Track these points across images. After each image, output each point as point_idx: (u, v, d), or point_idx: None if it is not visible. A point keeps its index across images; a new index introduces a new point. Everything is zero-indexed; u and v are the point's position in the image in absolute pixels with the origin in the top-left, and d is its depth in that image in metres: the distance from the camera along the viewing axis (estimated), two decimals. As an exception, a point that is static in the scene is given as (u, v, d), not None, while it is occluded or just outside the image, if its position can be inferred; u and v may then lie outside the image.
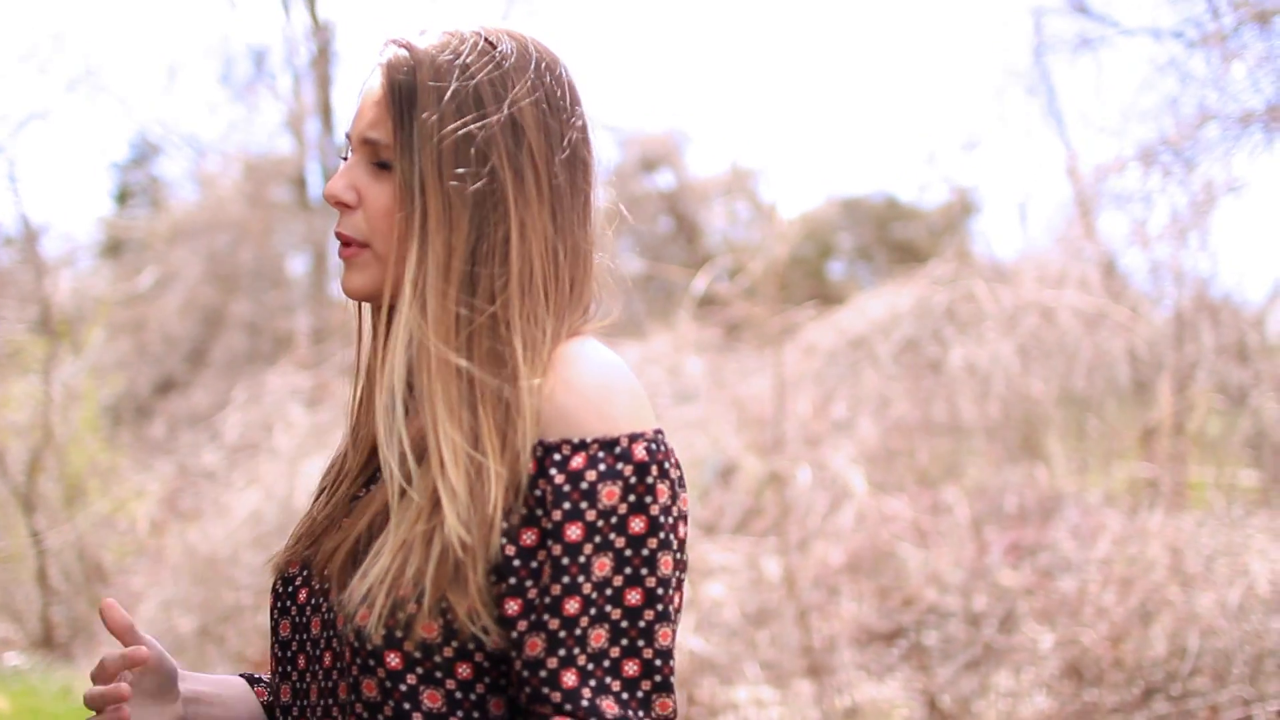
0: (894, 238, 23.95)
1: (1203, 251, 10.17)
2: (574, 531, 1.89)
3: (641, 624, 1.93)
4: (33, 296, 15.87)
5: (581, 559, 1.89)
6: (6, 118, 16.44)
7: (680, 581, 2.01)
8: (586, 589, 1.89)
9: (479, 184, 1.98)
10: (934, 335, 10.84)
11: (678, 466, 2.02)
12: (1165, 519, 8.83)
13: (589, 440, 1.93)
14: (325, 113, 22.22)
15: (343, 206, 2.07)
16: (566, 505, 1.90)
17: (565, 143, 2.06)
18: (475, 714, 1.95)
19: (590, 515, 1.90)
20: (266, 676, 2.36)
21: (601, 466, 1.92)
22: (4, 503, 14.13)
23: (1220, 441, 10.58)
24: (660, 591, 1.95)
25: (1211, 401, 10.01)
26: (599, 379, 1.97)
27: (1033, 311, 10.47)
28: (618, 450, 1.93)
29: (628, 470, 1.93)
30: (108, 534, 14.32)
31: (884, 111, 38.97)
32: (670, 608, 1.98)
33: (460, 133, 1.98)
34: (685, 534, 2.01)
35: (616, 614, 1.91)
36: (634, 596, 1.92)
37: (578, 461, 1.92)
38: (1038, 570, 9.03)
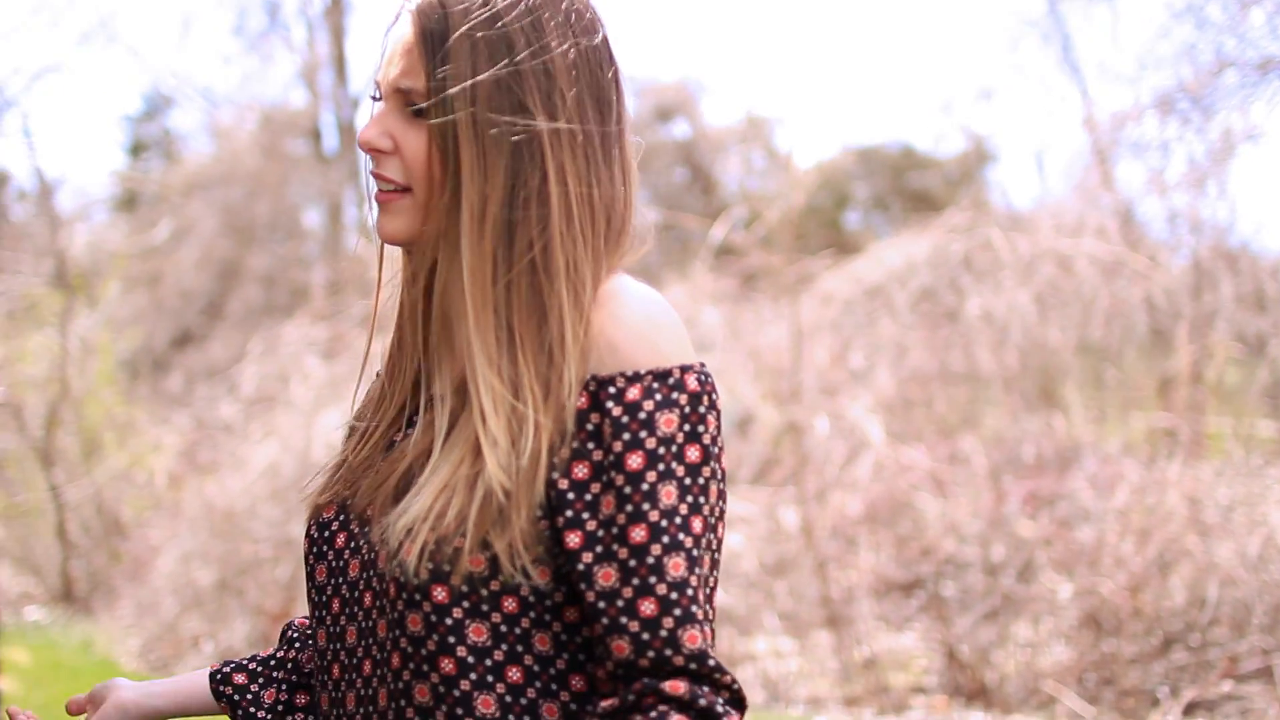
0: (910, 187, 23.89)
1: (1221, 200, 10.16)
2: (635, 460, 1.88)
3: (700, 552, 1.92)
4: (48, 250, 15.89)
5: (645, 486, 1.88)
6: (20, 72, 16.42)
7: (723, 513, 2.02)
8: (654, 516, 1.88)
9: (514, 130, 1.97)
10: (951, 284, 10.82)
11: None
12: (1183, 469, 8.82)
13: (643, 372, 1.92)
14: (340, 64, 22.20)
15: (378, 153, 2.06)
16: (626, 436, 1.89)
17: (597, 84, 2.04)
18: (519, 648, 1.94)
19: (650, 444, 1.89)
20: (244, 661, 2.39)
21: (658, 396, 1.91)
22: (22, 457, 14.18)
23: (1238, 391, 10.57)
24: (713, 520, 1.95)
25: (1230, 351, 9.99)
26: (646, 313, 1.96)
27: (1050, 260, 10.44)
28: (671, 381, 1.92)
29: (683, 399, 1.92)
30: (126, 488, 14.37)
31: (899, 60, 38.92)
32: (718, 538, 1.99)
33: (493, 80, 1.96)
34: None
35: (689, 542, 1.89)
36: (697, 524, 1.91)
37: (634, 393, 1.91)
38: (1056, 520, 9.03)
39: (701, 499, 1.92)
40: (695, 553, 1.90)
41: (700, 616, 1.88)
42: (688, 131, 24.32)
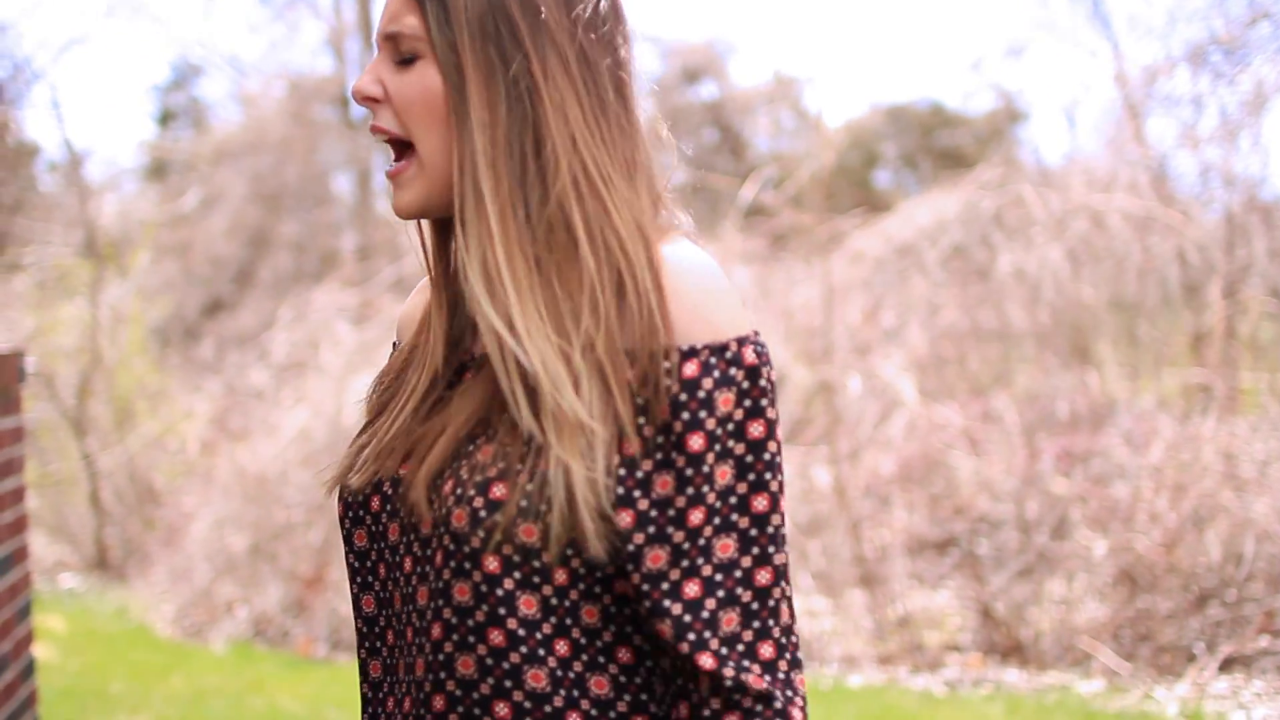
0: (940, 145, 23.83)
1: (1254, 153, 10.07)
2: (696, 442, 1.84)
3: (770, 529, 1.87)
4: (78, 221, 15.94)
5: (705, 469, 1.84)
6: (47, 44, 16.48)
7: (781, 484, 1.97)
8: (710, 498, 1.84)
9: (504, 62, 1.93)
10: (982, 241, 10.77)
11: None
12: (1218, 424, 8.78)
13: (699, 346, 1.87)
14: (366, 30, 22.19)
15: (370, 102, 2.01)
16: (686, 415, 1.84)
17: (597, 24, 1.98)
18: (567, 620, 1.89)
19: (710, 424, 1.84)
20: None
21: (716, 374, 1.86)
22: (55, 426, 14.23)
23: (1273, 346, 10.50)
24: (780, 496, 1.90)
25: (1263, 305, 9.93)
26: (699, 284, 1.91)
27: (1082, 216, 10.39)
28: (728, 355, 1.87)
29: (740, 375, 1.87)
30: (158, 455, 14.41)
31: (928, 18, 38.77)
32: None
33: (479, 11, 1.92)
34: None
35: (744, 522, 1.86)
36: (761, 502, 1.87)
37: (690, 369, 1.86)
38: (1090, 477, 8.99)
39: (768, 475, 1.88)
40: (753, 533, 1.86)
41: (747, 598, 1.85)
42: (716, 92, 24.27)
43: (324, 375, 12.02)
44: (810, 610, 9.16)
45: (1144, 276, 10.15)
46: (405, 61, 1.98)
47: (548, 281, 1.90)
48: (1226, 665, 7.69)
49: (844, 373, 10.03)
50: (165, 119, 27.05)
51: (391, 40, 1.99)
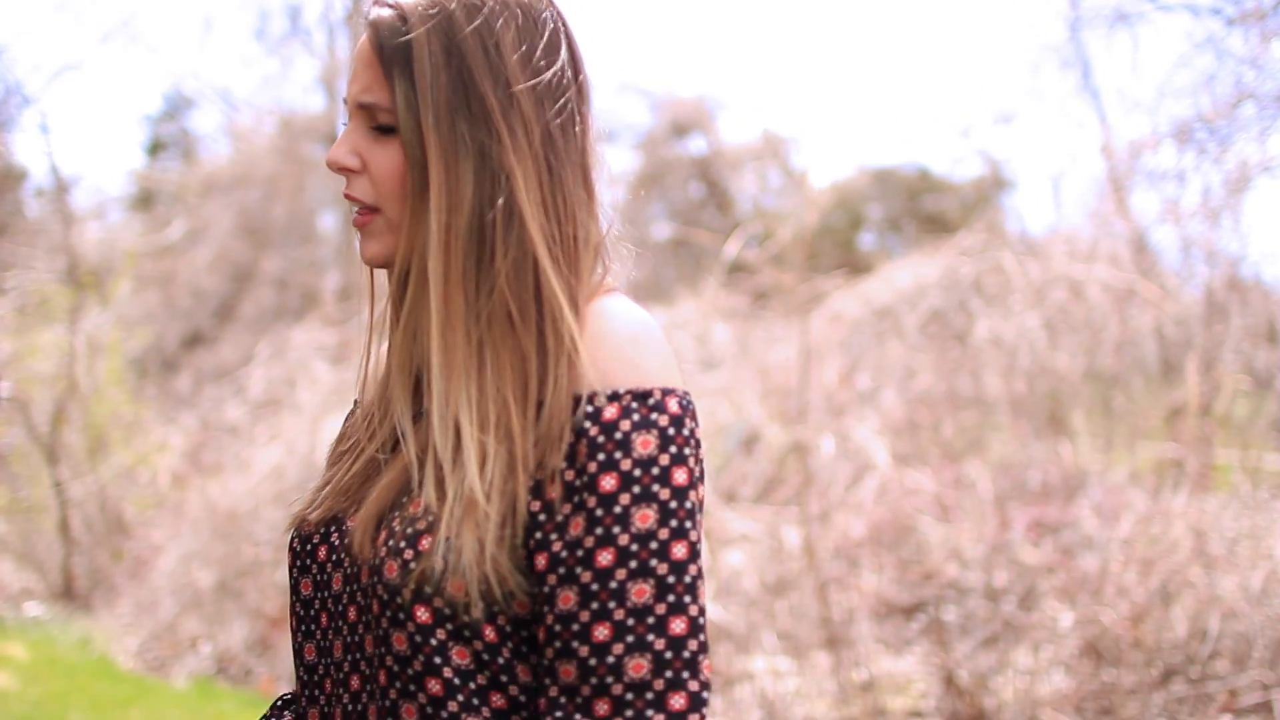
0: (925, 210, 23.93)
1: (1235, 231, 10.10)
2: (609, 482, 1.84)
3: (687, 579, 1.86)
4: (61, 247, 15.92)
5: (617, 509, 1.84)
6: (40, 68, 16.50)
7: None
8: (623, 540, 1.83)
9: (473, 142, 1.94)
10: (960, 307, 10.79)
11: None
12: (1189, 500, 8.79)
13: (621, 391, 1.88)
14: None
15: (347, 172, 2.04)
16: (601, 456, 1.85)
17: (558, 94, 2.01)
18: (503, 677, 1.90)
19: (625, 465, 1.85)
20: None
21: (635, 417, 1.87)
22: (27, 453, 14.19)
23: (1246, 424, 10.52)
24: (699, 548, 1.90)
25: (1238, 383, 9.95)
26: (630, 331, 1.93)
27: (1061, 285, 10.41)
28: (651, 402, 1.88)
29: (663, 421, 1.88)
30: (129, 486, 14.38)
31: (918, 83, 38.95)
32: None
33: (452, 93, 1.94)
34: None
35: (663, 568, 1.85)
36: (680, 550, 1.86)
37: (611, 412, 1.87)
38: (1059, 548, 8.99)
39: (688, 524, 1.88)
40: (670, 580, 1.85)
41: (660, 645, 1.83)
42: (704, 148, 24.33)
43: (299, 413, 12.01)
44: (774, 670, 9.14)
45: (1121, 349, 10.17)
46: (383, 129, 1.99)
47: (483, 363, 1.92)
48: (1188, 742, 7.68)
49: (818, 433, 10.02)
50: (155, 149, 27.12)
51: (366, 110, 2.00)
